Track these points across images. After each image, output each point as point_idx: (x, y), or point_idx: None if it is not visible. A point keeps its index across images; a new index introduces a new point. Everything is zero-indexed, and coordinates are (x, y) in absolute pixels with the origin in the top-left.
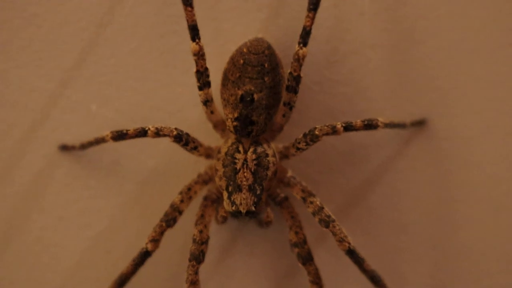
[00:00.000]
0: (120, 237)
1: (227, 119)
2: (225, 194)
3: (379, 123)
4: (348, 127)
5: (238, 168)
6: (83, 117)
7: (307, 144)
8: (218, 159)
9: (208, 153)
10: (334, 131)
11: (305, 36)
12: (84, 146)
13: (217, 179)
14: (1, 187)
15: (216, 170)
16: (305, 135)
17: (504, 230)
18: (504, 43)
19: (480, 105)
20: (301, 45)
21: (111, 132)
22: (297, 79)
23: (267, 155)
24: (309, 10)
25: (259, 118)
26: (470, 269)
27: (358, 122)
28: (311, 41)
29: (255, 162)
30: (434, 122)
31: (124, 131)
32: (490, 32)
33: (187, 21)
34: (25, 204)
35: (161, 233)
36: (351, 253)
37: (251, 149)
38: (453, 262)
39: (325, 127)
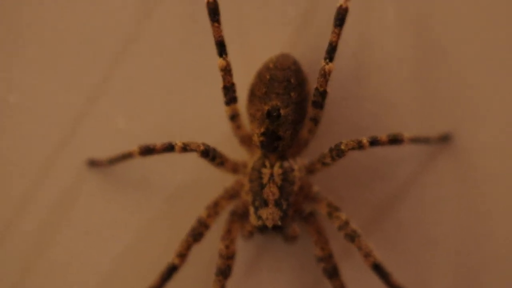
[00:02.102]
0: (148, 252)
1: (254, 134)
2: (252, 209)
3: (404, 138)
4: (374, 142)
5: (264, 182)
6: (110, 132)
7: (333, 159)
8: (245, 174)
9: (235, 168)
10: (360, 146)
11: (331, 51)
12: (112, 161)
13: (243, 194)
14: (30, 202)
15: (243, 185)
16: (331, 150)
17: None
18: None
19: (505, 119)
20: (327, 60)
21: (139, 147)
22: (323, 94)
23: (293, 170)
24: (335, 25)
25: (285, 133)
26: (497, 283)
27: (383, 137)
28: (337, 57)
29: (281, 177)
30: (460, 136)
31: (152, 146)
32: None
33: (214, 36)
34: (53, 219)
35: (188, 248)
36: (377, 268)
37: (278, 164)
38: (480, 276)
39: (351, 142)
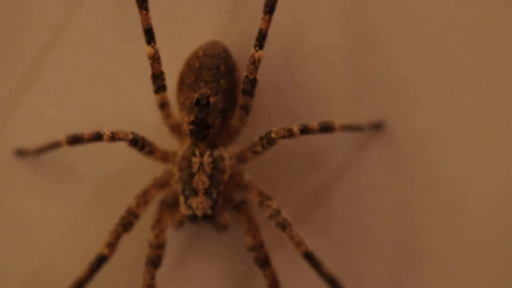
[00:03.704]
0: (78, 242)
1: (183, 123)
2: (182, 198)
3: (336, 126)
4: (305, 130)
5: (194, 171)
6: (39, 122)
7: (264, 147)
8: (174, 163)
9: (164, 157)
10: (290, 134)
11: (261, 39)
12: (40, 151)
13: (173, 183)
14: None
15: (172, 174)
16: (261, 138)
17: (463, 233)
18: (463, 46)
19: (438, 108)
20: (257, 48)
21: (67, 136)
22: (253, 82)
23: (223, 158)
24: (265, 13)
25: (215, 122)
26: (428, 272)
27: (314, 125)
28: (269, 44)
29: (211, 165)
30: (392, 125)
31: (80, 135)
32: (449, 35)
33: (142, 24)
34: None
35: (117, 238)
36: (309, 257)
37: (207, 153)
38: (412, 264)
39: (281, 130)
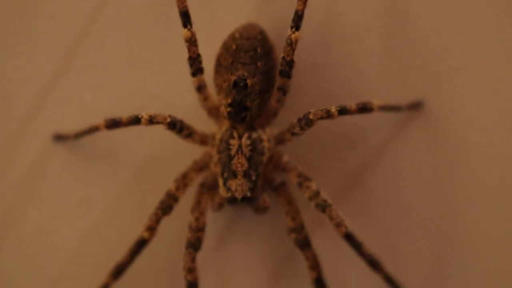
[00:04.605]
0: (117, 225)
1: (221, 105)
2: (221, 181)
3: (374, 106)
4: (343, 111)
5: (232, 154)
6: (77, 107)
7: (302, 128)
8: (213, 146)
9: (203, 140)
10: (328, 115)
11: (297, 20)
12: (78, 135)
13: (212, 166)
14: None
15: (211, 156)
16: (299, 120)
17: (504, 211)
18: (500, 24)
19: (476, 86)
20: (294, 29)
21: (105, 120)
22: (290, 63)
23: (261, 140)
24: None
25: (252, 104)
26: (469, 250)
27: (352, 105)
28: (304, 26)
29: (249, 147)
30: (431, 104)
31: (118, 119)
32: (486, 14)
33: (178, 7)
34: (20, 195)
35: (157, 221)
36: (349, 238)
37: (246, 135)
38: (452, 243)
39: (320, 112)
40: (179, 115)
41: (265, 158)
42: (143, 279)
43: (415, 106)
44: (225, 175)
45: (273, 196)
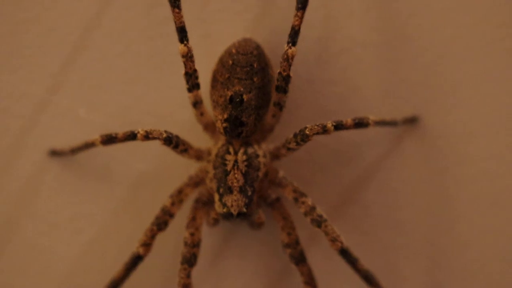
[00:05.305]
0: (112, 241)
1: (217, 121)
2: (216, 196)
3: (370, 121)
4: (339, 126)
5: (228, 169)
6: (72, 122)
7: (298, 144)
8: (209, 161)
9: (199, 155)
10: (324, 130)
11: (293, 35)
12: (74, 151)
13: (208, 181)
14: None
15: (207, 172)
16: (295, 135)
17: (500, 227)
18: (496, 38)
19: (472, 101)
20: (290, 44)
21: (101, 136)
22: (286, 79)
23: (257, 156)
24: (298, 9)
25: (248, 119)
26: (466, 266)
27: (348, 120)
28: (301, 41)
29: (245, 163)
30: (427, 119)
31: (114, 135)
32: (482, 28)
33: (175, 22)
34: (15, 210)
35: (152, 237)
36: (344, 253)
37: (242, 150)
38: (449, 259)
39: (316, 127)
40: (175, 130)
41: (261, 174)
42: None
43: (411, 121)
44: (221, 190)
45: (268, 212)
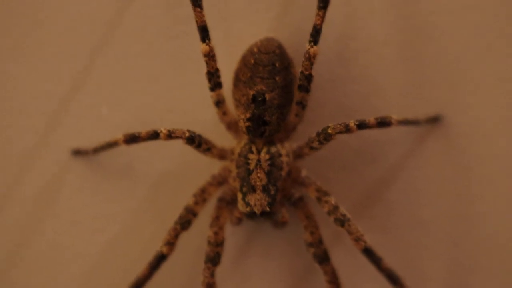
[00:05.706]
0: (135, 240)
1: (240, 120)
2: (239, 195)
3: (393, 121)
4: (362, 125)
5: (251, 168)
6: (94, 121)
7: (321, 143)
8: (232, 160)
9: (222, 154)
10: (347, 129)
11: (315, 34)
12: (96, 150)
13: (231, 180)
14: (14, 193)
15: (230, 171)
16: (318, 134)
17: None
18: None
19: (495, 100)
20: (312, 43)
21: (124, 135)
22: (308, 78)
23: (280, 155)
24: (319, 8)
25: (271, 118)
26: (489, 265)
27: (371, 120)
28: (322, 40)
29: (268, 162)
30: (449, 118)
31: (137, 134)
32: (504, 26)
33: (197, 22)
34: (38, 209)
35: (176, 236)
36: (368, 252)
37: (264, 150)
38: (472, 258)
39: (338, 126)
40: (198, 129)
41: (283, 173)
42: None
43: (434, 120)
44: (244, 189)
45: (292, 211)
